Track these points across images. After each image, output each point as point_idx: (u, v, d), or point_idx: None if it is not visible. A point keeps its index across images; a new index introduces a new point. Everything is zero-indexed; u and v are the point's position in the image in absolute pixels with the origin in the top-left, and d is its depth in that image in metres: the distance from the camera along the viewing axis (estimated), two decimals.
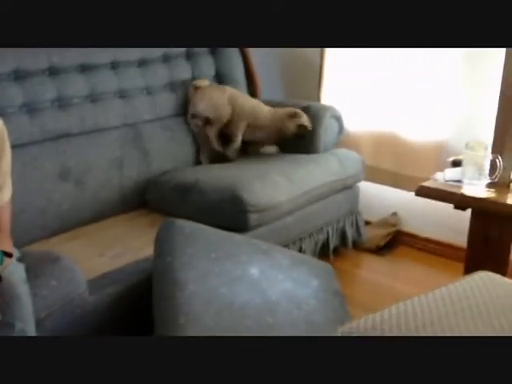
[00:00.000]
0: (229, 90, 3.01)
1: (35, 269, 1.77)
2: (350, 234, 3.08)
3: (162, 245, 2.02)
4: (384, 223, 3.31)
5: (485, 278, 1.71)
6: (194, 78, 3.07)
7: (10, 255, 1.49)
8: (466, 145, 2.31)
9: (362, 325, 1.47)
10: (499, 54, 2.35)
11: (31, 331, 1.55)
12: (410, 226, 3.27)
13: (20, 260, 1.76)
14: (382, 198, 3.35)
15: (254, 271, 2.08)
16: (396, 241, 3.26)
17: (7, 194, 1.68)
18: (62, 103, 2.54)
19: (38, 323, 1.67)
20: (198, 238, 2.07)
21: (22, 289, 1.61)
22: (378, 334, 1.43)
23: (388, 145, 3.18)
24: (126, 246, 2.33)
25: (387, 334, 1.42)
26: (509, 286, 1.67)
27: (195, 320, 1.79)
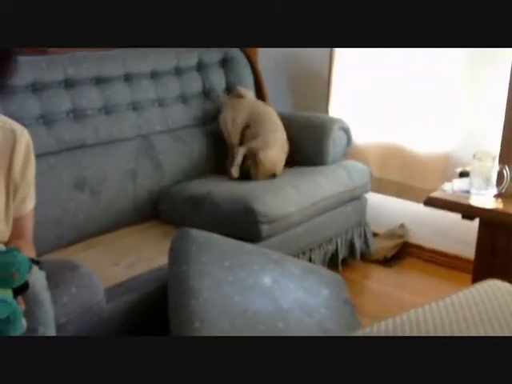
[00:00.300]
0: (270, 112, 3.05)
1: (55, 276, 1.81)
2: (359, 245, 3.12)
3: (177, 253, 2.06)
4: (391, 235, 3.34)
5: (493, 286, 1.75)
6: (204, 91, 3.13)
7: (37, 262, 1.54)
8: (474, 155, 2.35)
9: (375, 330, 1.51)
10: (505, 65, 2.40)
11: None
12: (417, 238, 3.30)
13: (40, 268, 1.80)
14: (389, 210, 3.39)
15: (267, 280, 2.12)
16: (403, 252, 3.29)
17: (31, 203, 1.73)
18: (77, 114, 2.60)
19: (58, 329, 1.71)
20: (212, 247, 2.11)
21: (44, 296, 1.64)
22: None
23: (395, 156, 3.23)
24: (139, 255, 2.38)
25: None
26: None
27: (210, 326, 1.83)
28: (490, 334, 1.48)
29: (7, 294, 1.38)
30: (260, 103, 3.10)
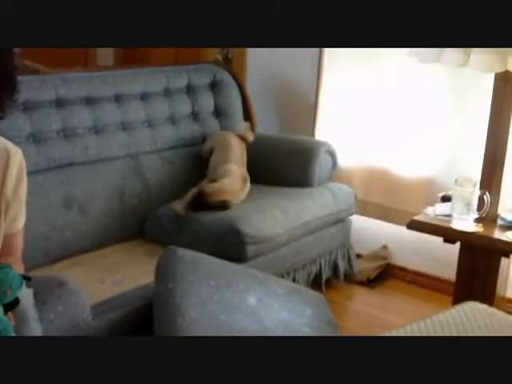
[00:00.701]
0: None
1: (42, 293, 1.83)
2: (342, 266, 3.16)
3: (164, 271, 2.09)
4: (374, 256, 3.39)
5: (473, 308, 1.80)
6: (193, 112, 3.18)
7: (29, 279, 1.56)
8: (456, 181, 2.41)
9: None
10: (487, 95, 2.47)
11: None
12: (400, 260, 3.35)
13: (28, 285, 1.81)
14: (372, 232, 3.44)
15: (252, 300, 2.15)
16: (386, 273, 3.34)
17: (22, 221, 1.75)
18: (67, 133, 2.63)
19: None
20: (199, 266, 2.14)
21: (31, 313, 1.66)
22: None
23: (379, 180, 3.29)
24: (125, 273, 2.40)
25: None
26: (495, 316, 1.76)
27: None
28: None
29: None
30: (230, 134, 3.12)
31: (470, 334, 1.65)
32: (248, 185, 2.89)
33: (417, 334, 1.66)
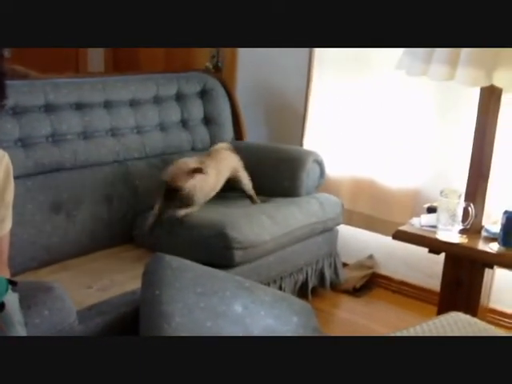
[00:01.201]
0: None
1: (28, 298, 1.83)
2: (328, 274, 3.18)
3: (151, 278, 2.10)
4: (360, 265, 3.41)
5: (455, 318, 1.82)
6: (183, 120, 3.20)
7: (15, 283, 1.56)
8: (441, 192, 2.44)
9: None
10: (472, 108, 2.51)
11: None
12: (385, 269, 3.38)
13: (13, 290, 1.82)
14: (358, 241, 3.46)
15: (238, 307, 2.16)
16: (372, 283, 3.36)
17: (8, 225, 1.75)
18: (56, 139, 2.64)
19: None
20: (185, 273, 2.15)
21: (17, 317, 1.66)
22: None
23: (366, 190, 3.31)
24: (112, 279, 2.40)
25: None
26: (477, 326, 1.79)
27: None
28: None
29: None
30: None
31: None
32: (213, 181, 2.76)
33: None
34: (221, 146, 3.08)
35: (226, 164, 2.94)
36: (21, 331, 1.66)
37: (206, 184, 2.73)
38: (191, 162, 2.70)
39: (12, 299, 1.72)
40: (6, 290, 1.46)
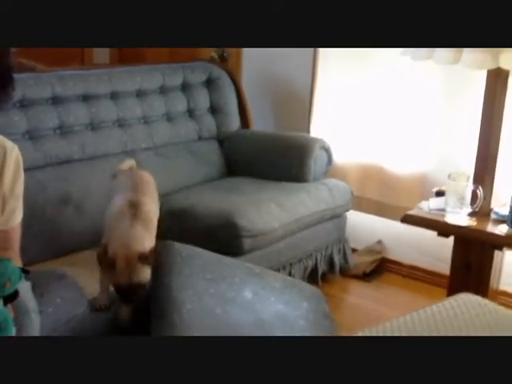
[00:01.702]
0: None
1: (40, 286, 1.85)
2: (338, 260, 3.19)
3: (161, 265, 2.11)
4: (370, 251, 3.42)
5: (465, 299, 1.83)
6: (189, 110, 3.20)
7: (27, 272, 1.58)
8: (449, 176, 2.44)
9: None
10: (479, 92, 2.50)
11: None
12: (394, 254, 3.39)
13: (26, 278, 1.84)
14: (367, 227, 3.47)
15: (248, 293, 2.17)
16: (381, 268, 3.37)
17: (19, 216, 1.77)
18: (63, 131, 2.65)
19: None
20: (195, 260, 2.16)
21: (31, 305, 1.69)
22: None
23: (374, 176, 3.32)
24: None
25: None
26: (487, 307, 1.79)
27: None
28: None
29: None
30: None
31: (461, 324, 1.68)
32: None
33: (410, 324, 1.68)
34: (128, 164, 2.64)
35: (152, 184, 2.53)
36: (35, 319, 1.69)
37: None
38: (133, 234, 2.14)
39: (25, 287, 1.74)
40: (20, 278, 1.48)
